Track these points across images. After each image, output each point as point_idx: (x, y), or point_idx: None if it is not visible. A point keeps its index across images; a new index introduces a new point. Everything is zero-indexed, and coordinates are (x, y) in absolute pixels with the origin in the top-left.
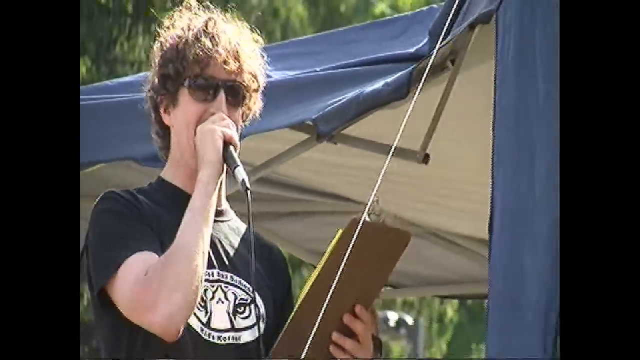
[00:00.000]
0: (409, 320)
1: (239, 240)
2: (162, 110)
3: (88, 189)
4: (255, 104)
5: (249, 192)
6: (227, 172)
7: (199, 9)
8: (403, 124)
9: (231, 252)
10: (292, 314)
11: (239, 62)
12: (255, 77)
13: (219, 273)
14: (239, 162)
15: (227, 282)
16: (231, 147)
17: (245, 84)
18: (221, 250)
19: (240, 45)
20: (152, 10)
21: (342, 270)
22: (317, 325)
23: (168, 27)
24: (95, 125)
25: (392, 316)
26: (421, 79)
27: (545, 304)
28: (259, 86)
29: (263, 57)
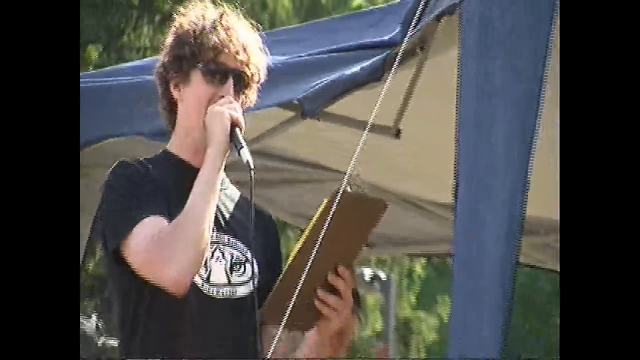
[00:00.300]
0: (382, 275)
1: (234, 206)
2: (172, 86)
3: (100, 160)
4: (253, 94)
5: (252, 172)
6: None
7: (207, 1)
8: (378, 103)
9: (227, 217)
10: (281, 274)
11: (248, 55)
12: (259, 70)
13: (217, 235)
14: (244, 144)
15: (224, 243)
16: (237, 129)
17: (250, 75)
18: (219, 215)
19: (249, 40)
20: (166, 2)
21: (326, 235)
22: (300, 284)
23: (183, 14)
24: (106, 103)
25: (367, 272)
26: (394, 63)
27: (500, 270)
28: (259, 79)
29: (266, 54)
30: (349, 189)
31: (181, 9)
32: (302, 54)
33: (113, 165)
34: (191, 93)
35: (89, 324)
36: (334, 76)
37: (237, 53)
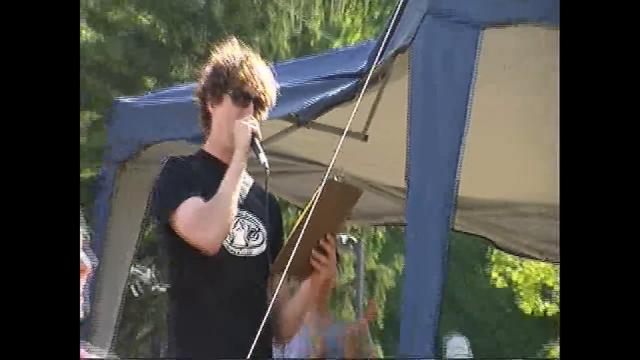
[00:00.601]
0: (355, 239)
1: (249, 190)
2: (208, 104)
3: (155, 157)
4: (265, 113)
5: (268, 171)
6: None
7: (235, 44)
8: (352, 116)
9: (245, 198)
10: (286, 240)
11: (264, 88)
12: (271, 98)
13: (238, 211)
14: (261, 150)
15: (243, 217)
16: (256, 139)
17: (264, 101)
18: (240, 197)
19: (265, 76)
20: (201, 46)
21: (318, 213)
22: (297, 244)
23: (218, 52)
24: (160, 116)
25: (344, 237)
26: (362, 87)
27: (439, 235)
28: (271, 104)
29: (276, 87)
30: (335, 179)
31: (217, 48)
32: (297, 82)
33: (165, 161)
34: (222, 111)
35: (146, 274)
36: (320, 97)
37: (257, 86)
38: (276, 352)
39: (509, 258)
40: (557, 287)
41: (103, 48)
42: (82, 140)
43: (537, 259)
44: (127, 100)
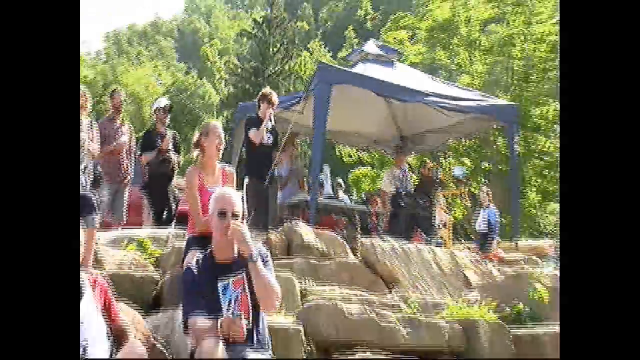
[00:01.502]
0: (301, 142)
1: (271, 126)
2: (260, 104)
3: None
4: (274, 107)
5: (274, 123)
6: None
7: (268, 89)
8: (299, 107)
9: (268, 129)
10: (281, 142)
11: (275, 101)
12: (276, 104)
13: (266, 133)
14: (272, 120)
15: (267, 134)
16: (271, 115)
17: (274, 104)
18: (266, 128)
19: (275, 98)
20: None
21: (287, 138)
22: (283, 144)
23: (264, 91)
24: (249, 109)
25: (297, 141)
26: (301, 100)
27: (321, 146)
28: (276, 106)
29: (278, 100)
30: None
31: (263, 91)
32: (284, 100)
33: (247, 117)
34: (263, 106)
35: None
36: (290, 102)
37: (273, 100)
38: (283, 197)
39: (348, 148)
40: (367, 159)
41: (231, 94)
42: (229, 115)
43: (364, 151)
44: (241, 103)
